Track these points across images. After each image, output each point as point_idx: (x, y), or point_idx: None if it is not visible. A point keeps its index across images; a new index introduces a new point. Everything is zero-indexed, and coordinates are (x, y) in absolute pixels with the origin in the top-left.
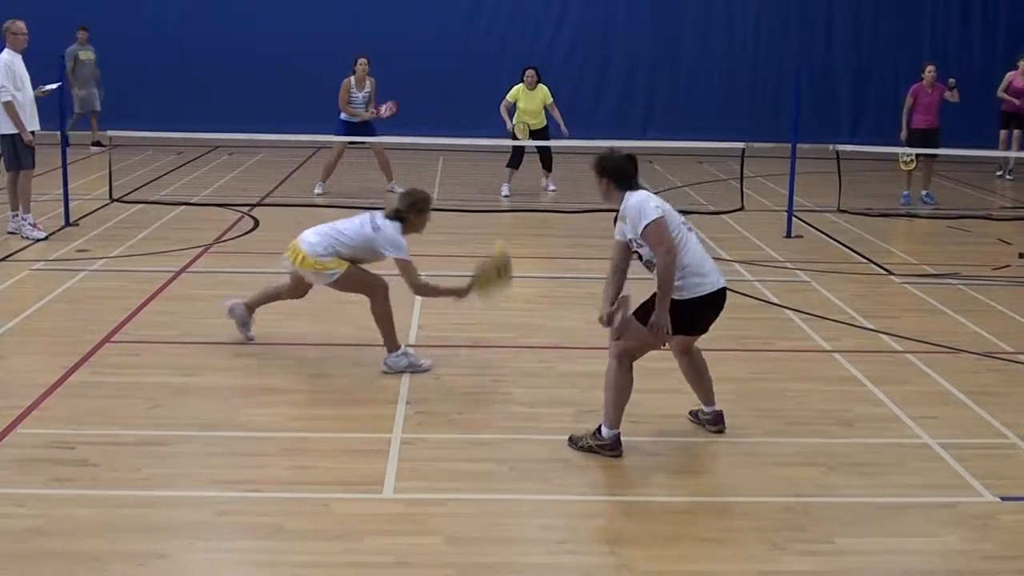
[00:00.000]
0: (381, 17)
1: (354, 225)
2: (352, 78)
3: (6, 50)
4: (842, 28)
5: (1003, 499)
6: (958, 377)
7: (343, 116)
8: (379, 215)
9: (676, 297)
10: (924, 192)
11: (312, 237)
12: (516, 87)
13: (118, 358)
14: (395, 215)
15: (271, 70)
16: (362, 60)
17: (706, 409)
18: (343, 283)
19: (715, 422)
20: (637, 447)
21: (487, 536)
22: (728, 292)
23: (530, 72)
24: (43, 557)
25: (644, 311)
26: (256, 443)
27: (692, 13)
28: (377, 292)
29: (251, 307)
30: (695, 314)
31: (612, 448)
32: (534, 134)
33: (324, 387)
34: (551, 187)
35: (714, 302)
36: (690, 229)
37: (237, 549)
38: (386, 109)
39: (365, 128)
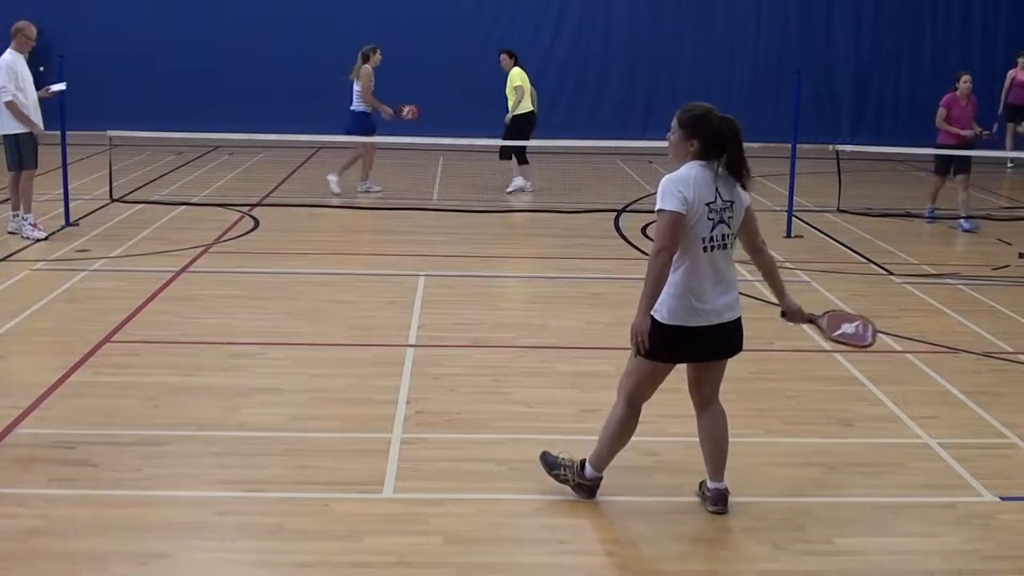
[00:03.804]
0: (382, 18)
1: None
2: (372, 69)
3: (8, 51)
4: (842, 28)
5: (1003, 499)
6: (958, 377)
7: (364, 108)
8: None
9: (657, 316)
10: (963, 218)
11: None
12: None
13: (118, 358)
14: None
15: (270, 71)
16: (379, 48)
17: (709, 485)
18: None
19: (716, 502)
20: (637, 447)
21: (487, 536)
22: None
23: (502, 55)
24: (43, 557)
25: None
26: (256, 443)
27: (692, 13)
28: None
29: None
30: (665, 343)
31: (589, 491)
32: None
33: (324, 387)
34: (520, 184)
35: (698, 338)
36: (719, 248)
37: (237, 549)
38: (408, 112)
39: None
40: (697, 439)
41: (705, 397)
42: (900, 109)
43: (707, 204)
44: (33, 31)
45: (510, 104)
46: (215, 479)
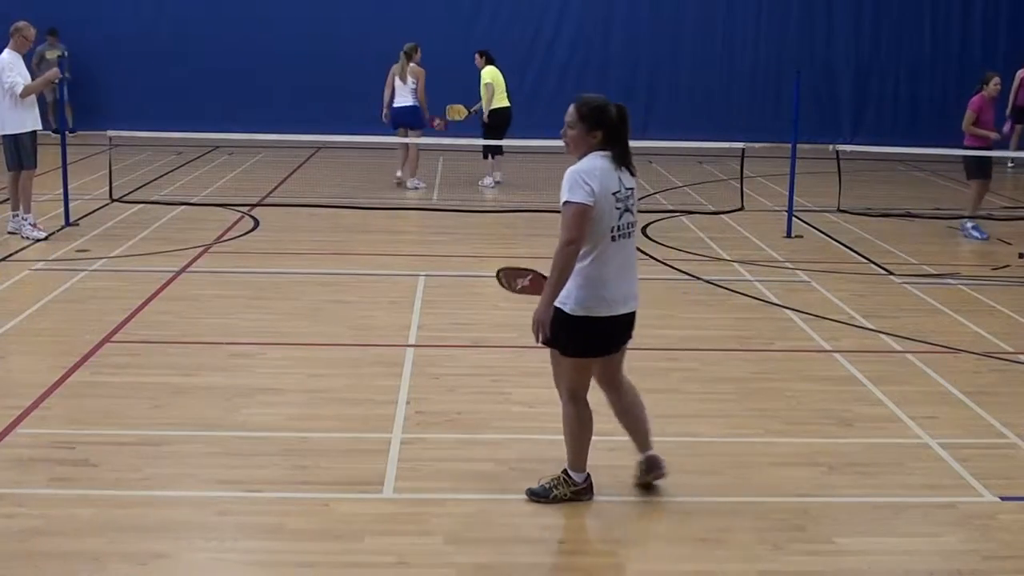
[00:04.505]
0: (381, 17)
1: None
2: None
3: (7, 50)
4: (842, 28)
5: (1003, 499)
6: (958, 377)
7: (415, 103)
8: None
9: (565, 308)
10: (971, 224)
11: None
12: None
13: (118, 358)
14: None
15: (270, 71)
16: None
17: (640, 455)
18: None
19: (651, 468)
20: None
21: (487, 536)
22: (729, 292)
23: (476, 55)
24: (43, 557)
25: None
26: (256, 443)
27: (692, 13)
28: None
29: None
30: (577, 335)
31: (587, 492)
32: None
33: (324, 387)
34: (486, 181)
35: (606, 328)
36: (625, 236)
37: (237, 549)
38: (438, 123)
39: None
40: (697, 439)
41: (615, 382)
42: (900, 109)
43: (613, 194)
44: (32, 32)
45: (484, 103)
46: (215, 479)
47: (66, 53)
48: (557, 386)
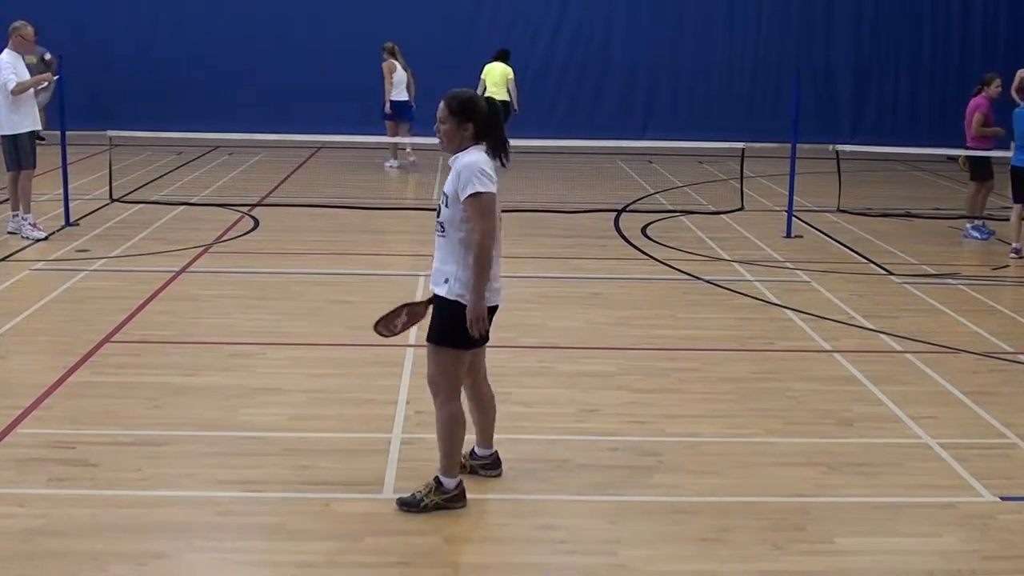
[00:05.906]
0: (381, 18)
1: None
2: None
3: (7, 51)
4: (842, 28)
5: (1003, 499)
6: (958, 377)
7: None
8: None
9: (463, 299)
10: (980, 223)
11: None
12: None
13: (118, 358)
14: None
15: (270, 71)
16: None
17: (478, 451)
18: None
19: (494, 466)
20: (637, 447)
21: (487, 536)
22: (729, 292)
23: None
24: (43, 557)
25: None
26: (256, 443)
27: (692, 13)
28: None
29: None
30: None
31: (460, 499)
32: None
33: (324, 387)
34: None
35: (490, 316)
36: (501, 225)
37: (237, 549)
38: None
39: None
40: (697, 439)
41: (482, 374)
42: (900, 109)
43: (494, 183)
44: (30, 31)
45: None
46: (215, 479)
47: (47, 56)
48: (436, 385)
